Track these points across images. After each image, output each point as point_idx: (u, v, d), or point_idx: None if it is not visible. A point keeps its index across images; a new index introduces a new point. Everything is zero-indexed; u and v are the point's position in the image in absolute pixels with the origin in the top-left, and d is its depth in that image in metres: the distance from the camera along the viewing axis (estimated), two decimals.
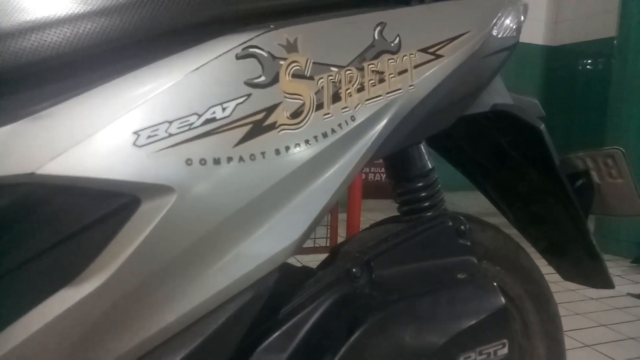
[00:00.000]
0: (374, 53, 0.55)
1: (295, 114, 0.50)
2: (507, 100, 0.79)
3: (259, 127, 0.47)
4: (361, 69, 0.54)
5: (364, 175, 3.44)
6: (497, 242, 0.82)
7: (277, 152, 0.49)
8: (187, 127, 0.44)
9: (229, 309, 0.47)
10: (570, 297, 2.09)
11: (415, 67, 0.59)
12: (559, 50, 4.54)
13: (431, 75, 0.60)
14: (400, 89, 0.57)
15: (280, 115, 0.49)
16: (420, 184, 0.70)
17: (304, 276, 0.61)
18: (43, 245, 0.41)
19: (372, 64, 0.55)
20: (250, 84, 0.47)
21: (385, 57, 0.56)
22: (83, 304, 0.41)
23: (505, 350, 0.60)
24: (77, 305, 0.41)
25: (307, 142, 0.50)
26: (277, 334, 0.54)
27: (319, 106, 0.51)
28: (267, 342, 0.54)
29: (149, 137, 0.42)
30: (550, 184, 0.84)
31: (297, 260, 2.01)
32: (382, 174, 3.68)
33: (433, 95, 0.60)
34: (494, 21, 0.68)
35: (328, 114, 0.52)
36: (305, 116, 0.50)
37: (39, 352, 0.41)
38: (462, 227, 0.66)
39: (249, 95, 0.47)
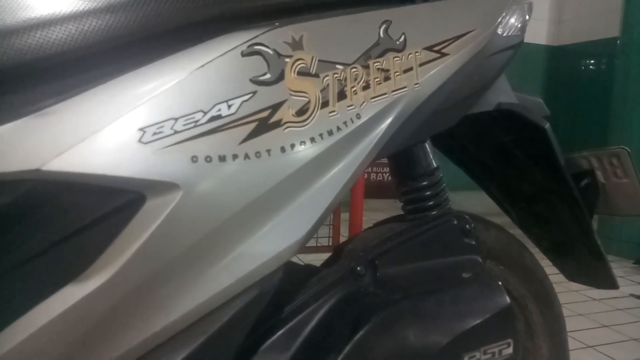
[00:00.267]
0: (380, 51, 0.55)
1: (301, 112, 0.50)
2: (512, 99, 0.78)
3: (264, 125, 0.47)
4: (367, 67, 0.54)
5: (366, 174, 3.44)
6: (501, 241, 0.82)
7: (283, 149, 0.48)
8: (192, 125, 0.44)
9: (234, 307, 0.47)
10: (572, 298, 2.08)
11: (421, 65, 0.59)
12: (562, 50, 4.53)
13: (436, 73, 0.60)
14: (405, 87, 0.57)
15: (286, 113, 0.49)
16: (424, 183, 0.70)
17: (308, 275, 0.61)
18: (47, 242, 0.41)
19: (378, 62, 0.55)
20: (256, 81, 0.47)
21: (391, 55, 0.56)
22: (87, 301, 0.41)
23: (510, 350, 0.60)
24: (81, 303, 0.41)
25: (312, 139, 0.50)
26: (281, 332, 0.54)
27: (325, 104, 0.51)
28: (271, 340, 0.54)
29: (155, 134, 0.42)
30: (555, 183, 0.84)
31: (300, 260, 2.00)
32: (384, 174, 3.68)
33: (438, 93, 0.60)
34: (499, 20, 0.67)
35: (333, 111, 0.52)
36: (311, 114, 0.50)
37: (42, 349, 0.41)
38: (467, 226, 0.66)
39: (254, 92, 0.47)
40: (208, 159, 0.44)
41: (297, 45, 0.49)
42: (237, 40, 0.47)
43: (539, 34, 4.44)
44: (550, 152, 0.80)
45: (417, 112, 0.59)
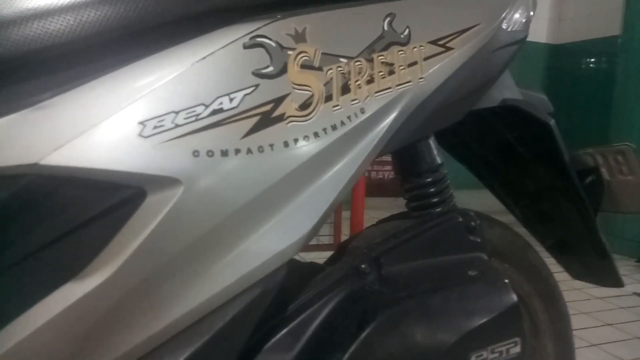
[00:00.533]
0: (384, 44, 0.54)
1: (304, 106, 0.49)
2: (517, 95, 0.77)
3: (267, 119, 0.46)
4: (370, 61, 0.53)
5: (367, 173, 3.43)
6: (506, 239, 0.81)
7: (286, 144, 0.47)
8: (194, 118, 0.43)
9: (237, 305, 0.46)
10: (575, 296, 2.08)
11: (425, 59, 0.58)
12: (562, 49, 4.52)
13: (441, 68, 0.59)
14: (410, 82, 0.56)
15: (289, 107, 0.48)
16: (429, 179, 0.69)
17: (312, 272, 0.60)
18: (46, 239, 0.40)
19: (382, 55, 0.54)
20: (258, 74, 0.46)
21: (395, 48, 0.55)
22: (87, 299, 0.40)
23: (518, 349, 0.59)
24: (82, 301, 0.40)
25: (315, 134, 0.49)
26: (285, 330, 0.53)
27: (328, 98, 0.50)
28: (275, 338, 0.53)
29: (155, 127, 0.41)
30: (559, 180, 0.83)
31: (301, 258, 2.00)
32: (385, 172, 3.67)
33: (443, 88, 0.59)
34: (504, 14, 0.67)
35: (337, 106, 0.51)
36: (314, 108, 0.49)
37: (42, 349, 0.40)
38: (472, 223, 0.65)
39: (256, 85, 0.46)
40: (210, 154, 0.43)
41: (300, 37, 0.48)
42: (239, 32, 0.46)
43: (539, 33, 4.43)
44: (555, 149, 0.79)
45: (421, 106, 0.58)
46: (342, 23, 0.52)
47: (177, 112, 0.42)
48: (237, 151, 0.45)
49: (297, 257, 0.52)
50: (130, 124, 0.41)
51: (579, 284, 0.97)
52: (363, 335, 0.53)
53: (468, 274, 0.61)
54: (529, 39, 0.74)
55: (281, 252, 0.48)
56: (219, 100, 0.44)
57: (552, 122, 0.77)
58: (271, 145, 0.47)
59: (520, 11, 0.71)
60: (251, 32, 0.46)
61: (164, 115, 0.42)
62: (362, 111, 0.53)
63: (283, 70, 0.47)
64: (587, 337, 1.72)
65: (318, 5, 0.51)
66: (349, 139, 0.52)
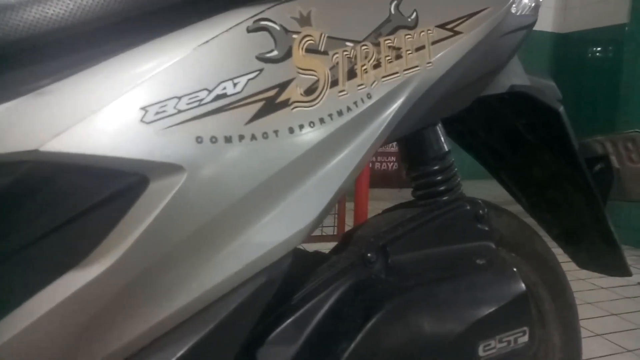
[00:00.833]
0: (391, 28, 0.53)
1: (309, 91, 0.48)
2: (525, 81, 0.76)
3: (271, 104, 0.45)
4: (377, 45, 0.52)
5: (370, 164, 3.41)
6: (513, 228, 0.80)
7: (291, 130, 0.46)
8: (197, 104, 0.42)
9: (242, 293, 0.45)
10: (580, 286, 2.07)
11: (433, 43, 0.56)
12: (568, 38, 4.47)
13: (449, 52, 0.58)
14: (417, 66, 0.55)
15: (294, 92, 0.47)
16: (436, 167, 0.68)
17: (317, 261, 0.60)
18: (48, 227, 0.39)
19: (389, 39, 0.53)
20: (262, 58, 0.45)
21: (402, 32, 0.54)
22: (90, 287, 0.39)
23: (526, 338, 0.58)
24: (84, 289, 0.39)
25: (321, 120, 0.48)
26: (290, 319, 0.53)
27: (334, 83, 0.49)
28: (280, 327, 0.52)
29: (157, 113, 0.40)
30: (568, 168, 0.82)
31: (304, 249, 1.99)
32: (388, 163, 3.66)
33: (451, 73, 0.58)
34: None
35: (343, 91, 0.50)
36: (320, 93, 0.48)
37: (43, 338, 0.39)
38: (480, 211, 0.64)
39: (260, 70, 0.45)
40: (213, 140, 0.42)
41: (305, 20, 0.47)
42: (242, 16, 0.44)
43: (544, 21, 4.38)
44: (564, 137, 0.78)
45: (429, 92, 0.56)
46: (348, 6, 0.50)
47: (179, 98, 0.41)
48: (241, 137, 0.44)
49: (300, 248, 0.52)
50: (132, 109, 0.40)
51: (583, 274, 0.97)
52: (369, 324, 0.52)
53: (476, 262, 0.60)
54: (534, 27, 0.72)
55: (286, 241, 0.47)
56: (223, 85, 0.43)
57: (561, 108, 0.76)
58: (276, 132, 0.46)
59: None
60: (255, 15, 0.45)
61: (166, 100, 0.41)
62: (369, 96, 0.51)
63: (288, 54, 0.46)
64: (592, 327, 1.72)
65: None
66: (355, 125, 0.51)
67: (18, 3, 0.39)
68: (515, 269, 0.60)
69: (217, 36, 0.43)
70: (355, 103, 0.50)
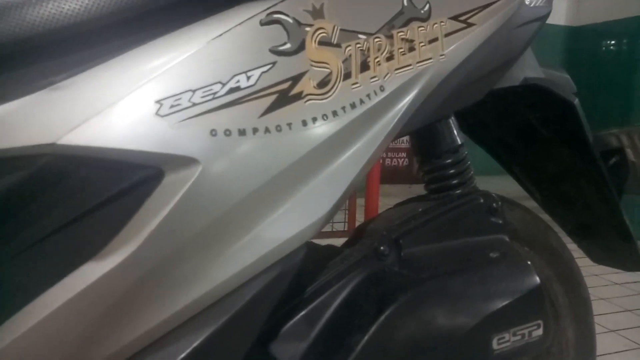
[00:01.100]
0: (404, 20, 0.53)
1: (323, 84, 0.48)
2: (539, 74, 0.75)
3: (285, 97, 0.45)
4: (390, 37, 0.52)
5: (380, 160, 3.41)
6: (527, 222, 0.80)
7: (304, 123, 0.46)
8: (211, 97, 0.42)
9: (256, 286, 0.46)
10: (593, 282, 2.05)
11: (446, 35, 0.56)
12: (582, 31, 4.40)
13: (462, 44, 0.57)
14: (430, 59, 0.55)
15: (307, 85, 0.47)
16: (449, 160, 0.67)
17: (330, 255, 0.60)
18: (64, 220, 0.39)
19: (402, 31, 0.53)
20: (276, 51, 0.45)
21: (415, 24, 0.54)
22: (106, 279, 0.40)
23: (540, 332, 0.58)
24: (100, 281, 0.40)
25: (334, 113, 0.48)
26: (304, 312, 0.53)
27: (347, 75, 0.49)
28: (294, 320, 0.52)
29: (172, 106, 0.40)
30: (582, 162, 0.81)
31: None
32: (399, 159, 3.64)
33: (464, 65, 0.58)
34: None
35: (356, 83, 0.50)
36: (333, 86, 0.48)
37: (61, 329, 0.40)
38: (494, 204, 0.64)
39: (274, 63, 0.45)
40: (227, 133, 0.43)
41: (317, 13, 0.47)
42: (255, 9, 0.45)
43: (557, 15, 4.32)
44: (579, 129, 0.77)
45: (442, 85, 0.56)
46: None
47: (193, 91, 0.41)
48: (255, 130, 0.44)
49: (312, 242, 0.52)
50: (147, 103, 0.40)
51: (597, 269, 0.96)
52: (382, 317, 0.52)
53: (490, 255, 0.60)
54: (546, 21, 0.72)
55: (300, 233, 0.47)
56: (236, 78, 0.43)
57: (576, 101, 0.75)
58: (289, 125, 0.46)
59: None
60: (268, 8, 0.45)
61: (180, 93, 0.41)
62: (382, 89, 0.51)
63: (301, 47, 0.46)
64: (605, 323, 1.70)
65: None
66: (368, 118, 0.51)
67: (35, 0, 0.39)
68: (529, 262, 0.59)
69: (230, 29, 0.43)
70: (368, 96, 0.50)
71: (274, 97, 0.45)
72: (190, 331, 0.44)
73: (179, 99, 0.41)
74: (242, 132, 0.43)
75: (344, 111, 0.49)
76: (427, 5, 0.54)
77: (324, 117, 0.48)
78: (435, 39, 0.55)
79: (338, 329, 0.53)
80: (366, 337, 0.51)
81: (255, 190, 0.44)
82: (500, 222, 0.64)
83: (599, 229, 0.88)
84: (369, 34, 0.50)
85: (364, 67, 0.50)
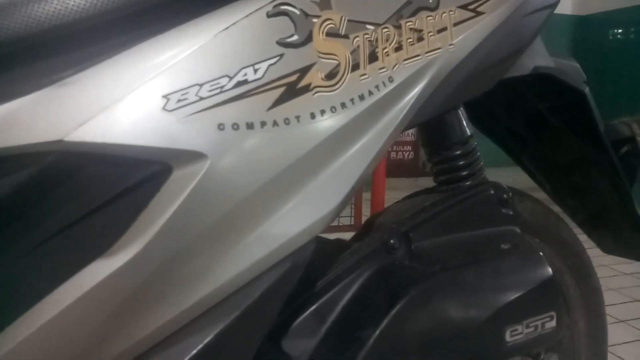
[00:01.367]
0: (412, 10, 0.52)
1: (331, 75, 0.47)
2: (549, 63, 0.74)
3: (292, 90, 0.45)
4: (398, 27, 0.51)
5: (386, 153, 3.40)
6: (537, 213, 0.79)
7: (313, 115, 0.46)
8: (218, 90, 0.41)
9: (266, 280, 0.45)
10: (603, 273, 2.03)
11: (455, 24, 0.55)
12: (589, 20, 4.35)
13: (472, 33, 0.56)
14: (439, 48, 0.54)
15: (315, 77, 0.46)
16: (458, 152, 0.67)
17: (339, 249, 0.59)
18: (73, 216, 0.39)
19: (410, 21, 0.52)
20: (283, 43, 0.44)
21: (424, 14, 0.53)
22: (115, 277, 0.40)
23: (554, 323, 0.57)
24: (110, 279, 0.39)
25: (343, 105, 0.48)
26: (314, 306, 0.53)
27: (355, 67, 0.48)
28: (305, 314, 0.52)
29: (179, 101, 0.40)
30: (593, 151, 0.80)
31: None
32: (404, 152, 3.63)
33: (474, 55, 0.57)
34: None
35: (364, 74, 0.49)
36: (341, 77, 0.48)
37: (71, 327, 0.40)
38: (504, 195, 0.63)
39: (281, 55, 0.44)
40: (235, 127, 0.42)
41: (325, 4, 0.46)
42: (262, 1, 0.44)
43: (564, 3, 4.27)
44: (590, 119, 0.76)
45: (451, 75, 0.55)
46: None
47: (200, 85, 0.41)
48: (263, 124, 0.43)
49: (320, 236, 0.51)
50: (154, 98, 0.40)
51: (606, 260, 0.95)
52: (394, 311, 0.52)
53: (501, 247, 0.59)
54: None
55: (309, 227, 0.47)
56: (243, 71, 0.42)
57: (586, 90, 0.74)
58: (297, 117, 0.45)
59: None
60: (274, 0, 0.44)
61: (187, 88, 0.40)
62: (391, 80, 0.51)
63: (308, 38, 0.46)
64: (615, 313, 1.69)
65: None
66: (377, 110, 0.50)
67: None
68: (541, 253, 0.59)
69: (237, 22, 0.43)
70: (377, 87, 0.50)
71: (281, 89, 0.44)
72: (201, 328, 0.44)
73: (186, 93, 0.40)
74: (250, 126, 0.43)
75: (353, 103, 0.48)
76: None
77: (333, 109, 0.47)
78: (444, 29, 0.54)
79: (349, 324, 0.53)
80: (378, 331, 0.51)
81: (264, 184, 0.44)
82: (511, 213, 0.63)
83: (610, 219, 0.87)
84: (377, 25, 0.50)
85: (373, 58, 0.49)
